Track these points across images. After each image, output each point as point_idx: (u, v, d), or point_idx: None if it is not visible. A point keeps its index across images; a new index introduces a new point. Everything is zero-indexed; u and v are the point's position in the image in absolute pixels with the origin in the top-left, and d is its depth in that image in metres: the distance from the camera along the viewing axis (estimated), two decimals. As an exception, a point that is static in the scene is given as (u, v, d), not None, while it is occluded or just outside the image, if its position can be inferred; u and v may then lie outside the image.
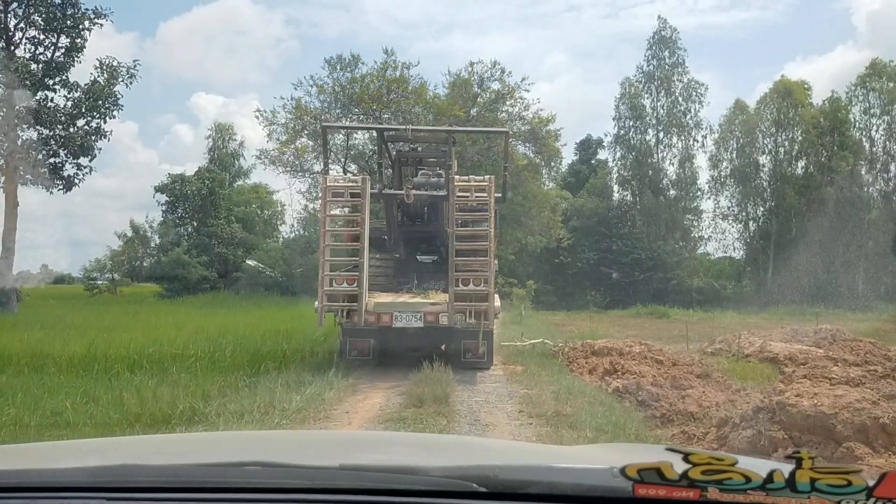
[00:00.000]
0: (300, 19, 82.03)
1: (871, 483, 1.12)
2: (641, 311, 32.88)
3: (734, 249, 44.35)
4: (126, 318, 17.13)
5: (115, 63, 22.26)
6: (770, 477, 1.15)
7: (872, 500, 1.13)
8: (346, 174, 32.37)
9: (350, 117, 30.33)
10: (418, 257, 12.46)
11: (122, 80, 22.15)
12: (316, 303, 9.98)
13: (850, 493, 1.13)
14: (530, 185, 30.90)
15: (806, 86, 40.43)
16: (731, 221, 43.09)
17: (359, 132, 30.92)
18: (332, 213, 10.37)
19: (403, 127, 13.37)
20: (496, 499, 1.31)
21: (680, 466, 1.16)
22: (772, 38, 72.03)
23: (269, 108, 30.34)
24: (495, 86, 30.35)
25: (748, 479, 1.16)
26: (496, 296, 10.53)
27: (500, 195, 11.46)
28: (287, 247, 36.18)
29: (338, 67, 29.45)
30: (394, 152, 13.10)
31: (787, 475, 1.14)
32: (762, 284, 39.56)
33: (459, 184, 10.42)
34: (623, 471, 1.20)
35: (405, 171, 13.16)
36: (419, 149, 13.27)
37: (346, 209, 10.59)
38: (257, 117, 29.25)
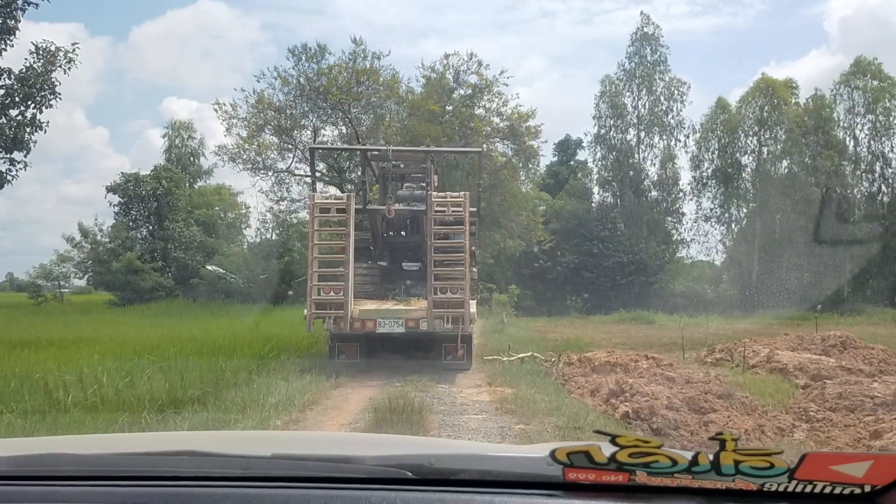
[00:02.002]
0: (276, 24, 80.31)
1: (793, 465, 1.13)
2: (625, 317, 31.45)
3: (717, 252, 43.18)
4: (56, 330, 15.00)
5: (52, 47, 20.07)
6: (695, 460, 1.17)
7: (794, 482, 1.15)
8: (313, 173, 30.56)
9: (317, 112, 28.47)
10: (403, 265, 13.12)
11: (61, 66, 19.95)
12: (305, 310, 10.69)
13: (773, 475, 1.15)
14: (509, 185, 29.22)
15: (793, 84, 39.41)
16: (713, 223, 41.92)
17: (326, 128, 29.58)
18: (319, 228, 11.13)
19: (385, 147, 14.18)
20: (429, 485, 1.30)
21: (608, 449, 1.17)
22: (745, 43, 71.83)
23: (232, 100, 27.97)
24: (472, 79, 28.65)
25: (675, 462, 1.17)
26: (473, 302, 11.16)
27: (474, 209, 12.33)
28: (251, 251, 34.03)
29: (303, 58, 27.47)
30: (378, 170, 14.09)
31: (711, 458, 1.16)
32: (746, 288, 38.36)
33: (437, 199, 11.30)
34: (553, 453, 1.20)
35: (389, 185, 13.97)
36: (402, 166, 14.07)
37: (333, 223, 11.44)
38: (216, 110, 27.14)
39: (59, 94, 20.25)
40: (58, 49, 20.13)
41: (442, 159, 27.69)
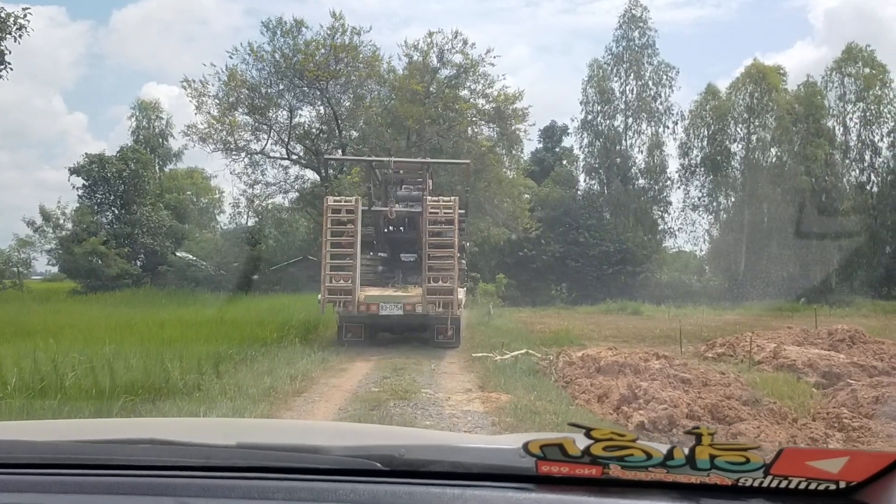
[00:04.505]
0: (259, 10, 78.49)
1: (769, 460, 1.12)
2: (612, 307, 30.54)
3: (704, 241, 42.33)
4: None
5: (2, 13, 18.41)
6: (670, 454, 1.16)
7: (770, 477, 1.15)
8: (290, 156, 29.17)
9: (293, 91, 26.98)
10: (401, 257, 14.88)
11: (10, 33, 18.30)
12: (319, 295, 12.42)
13: (749, 470, 1.14)
14: (494, 170, 28.00)
15: (781, 71, 38.51)
16: (700, 212, 41.03)
17: (303, 108, 28.24)
18: (331, 226, 12.77)
19: (388, 159, 16.25)
20: (399, 477, 1.27)
21: (582, 442, 1.16)
22: (728, 35, 70.97)
23: (202, 77, 26.29)
24: (457, 59, 27.28)
25: (649, 456, 1.16)
26: (461, 290, 13.07)
27: (463, 210, 14.26)
28: (224, 237, 32.48)
29: (278, 33, 25.88)
30: (381, 176, 16.19)
31: (687, 452, 1.15)
32: (734, 278, 37.56)
33: (431, 202, 13.09)
34: (526, 446, 1.19)
35: (390, 189, 15.68)
36: (401, 172, 15.94)
37: (343, 222, 12.86)
38: (184, 87, 25.48)
39: (10, 63, 18.66)
40: (8, 15, 18.50)
41: (424, 143, 26.80)
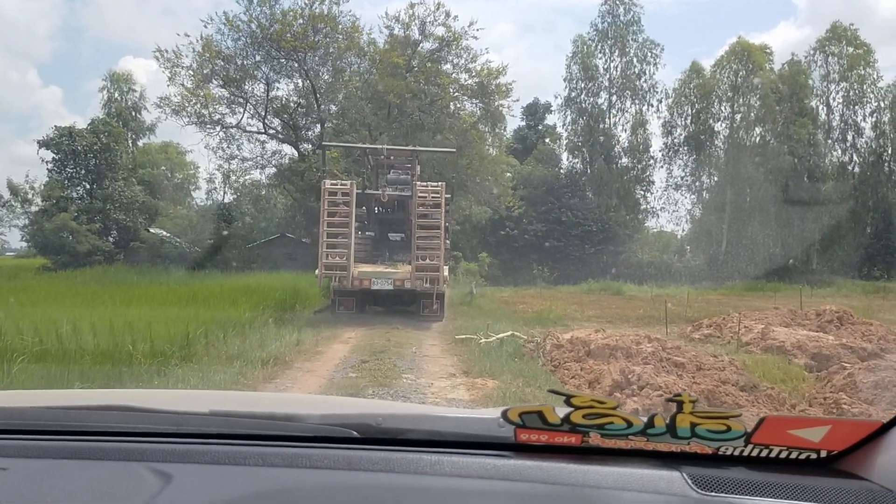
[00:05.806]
0: (240, -18, 75.55)
1: (750, 429, 1.11)
2: (594, 287, 30.35)
3: (686, 221, 42.21)
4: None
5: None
6: (651, 422, 1.14)
7: (751, 446, 1.14)
8: (266, 131, 28.37)
9: (270, 62, 26.12)
10: (389, 236, 16.06)
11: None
12: (317, 271, 13.73)
13: (730, 438, 1.13)
14: (477, 147, 27.45)
15: (767, 50, 38.19)
16: (683, 192, 40.85)
17: (281, 81, 27.43)
18: (328, 208, 13.61)
19: (381, 147, 17.64)
20: (376, 445, 1.25)
21: (562, 410, 1.15)
22: (712, 14, 70.50)
23: (175, 46, 25.30)
24: (439, 31, 26.57)
25: (630, 424, 1.15)
26: (446, 267, 14.12)
27: (449, 195, 15.48)
28: (200, 214, 31.65)
29: (255, 1, 24.92)
30: (373, 161, 17.39)
31: (667, 420, 1.13)
32: (715, 258, 37.51)
33: (420, 187, 14.10)
34: (505, 414, 1.18)
35: (381, 172, 17.06)
36: (391, 158, 17.19)
37: (339, 204, 13.74)
38: (157, 58, 24.52)
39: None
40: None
41: (406, 118, 26.20)
